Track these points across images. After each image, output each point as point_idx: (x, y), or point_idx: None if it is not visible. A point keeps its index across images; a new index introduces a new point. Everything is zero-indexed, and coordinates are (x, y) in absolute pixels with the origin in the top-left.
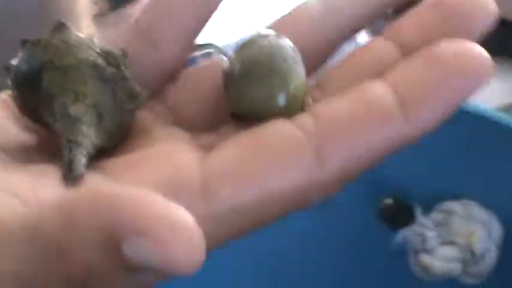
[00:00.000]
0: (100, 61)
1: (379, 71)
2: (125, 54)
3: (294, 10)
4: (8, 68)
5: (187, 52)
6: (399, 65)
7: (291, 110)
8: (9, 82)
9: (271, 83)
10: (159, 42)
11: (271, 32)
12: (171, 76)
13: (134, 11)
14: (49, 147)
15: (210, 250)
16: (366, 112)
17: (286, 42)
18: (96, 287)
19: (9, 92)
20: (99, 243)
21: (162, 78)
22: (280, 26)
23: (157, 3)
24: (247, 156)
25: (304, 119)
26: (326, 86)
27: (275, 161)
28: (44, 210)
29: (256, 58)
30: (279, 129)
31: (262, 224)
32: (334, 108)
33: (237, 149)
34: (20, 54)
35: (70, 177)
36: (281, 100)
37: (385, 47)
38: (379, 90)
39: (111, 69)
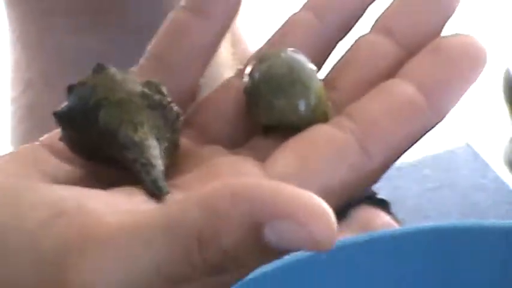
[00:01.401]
0: (146, 91)
1: (386, 68)
2: (158, 82)
3: (287, 23)
4: (56, 114)
5: (202, 73)
6: (412, 62)
7: (317, 112)
8: (59, 126)
9: (296, 91)
10: (173, 67)
11: (281, 47)
12: (190, 98)
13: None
14: (101, 179)
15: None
16: (399, 109)
17: (298, 54)
18: (231, 273)
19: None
20: (240, 229)
21: (184, 104)
22: (278, 40)
23: (169, 29)
24: (304, 159)
25: (341, 120)
26: (338, 85)
27: (329, 159)
28: (182, 205)
29: (278, 71)
30: (323, 132)
31: None
32: (368, 109)
33: (292, 154)
34: (68, 98)
35: (160, 194)
36: (307, 105)
37: (383, 42)
38: (405, 89)
39: (158, 96)
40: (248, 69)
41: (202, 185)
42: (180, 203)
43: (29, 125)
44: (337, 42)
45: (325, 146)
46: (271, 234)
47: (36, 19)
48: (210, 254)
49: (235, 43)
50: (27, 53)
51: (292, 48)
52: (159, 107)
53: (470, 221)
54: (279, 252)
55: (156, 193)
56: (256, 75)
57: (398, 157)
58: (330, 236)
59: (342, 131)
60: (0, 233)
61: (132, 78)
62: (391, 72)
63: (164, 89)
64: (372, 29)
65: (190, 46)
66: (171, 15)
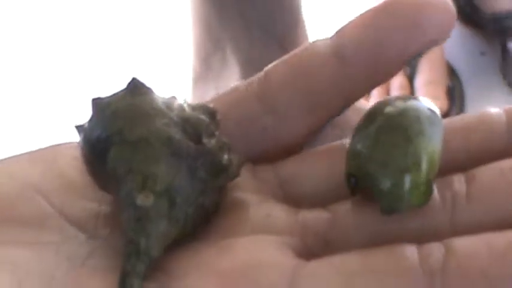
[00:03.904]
0: (176, 133)
1: None
2: (212, 116)
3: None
4: (78, 128)
5: (315, 128)
6: None
7: (414, 194)
8: (80, 143)
9: (395, 143)
10: (286, 113)
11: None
12: (290, 150)
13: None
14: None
15: None
16: (501, 276)
17: (425, 108)
18: None
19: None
20: None
21: (279, 150)
22: None
23: (294, 72)
24: (350, 280)
25: (435, 253)
26: (476, 174)
27: None
28: None
29: (389, 135)
30: (400, 259)
31: None
32: (469, 255)
33: (341, 273)
34: (91, 116)
35: None
36: (409, 190)
37: None
38: None
39: (189, 143)
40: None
41: (195, 282)
42: None
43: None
44: None
45: (390, 277)
46: None
47: None
48: None
49: None
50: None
51: (418, 99)
52: (187, 158)
53: None
54: None
55: None
56: (366, 128)
57: None
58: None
59: (423, 268)
60: None
61: (166, 111)
62: None
63: (209, 130)
64: None
65: (315, 91)
66: (310, 44)
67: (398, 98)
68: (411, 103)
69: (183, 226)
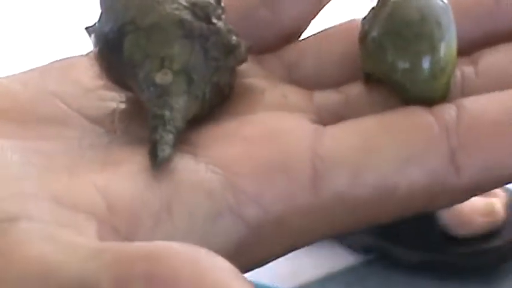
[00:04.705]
0: (186, 15)
1: None
2: (218, 1)
3: None
4: (87, 29)
5: (310, 15)
6: None
7: (436, 84)
8: (92, 44)
9: (420, 50)
10: (283, 3)
11: None
12: (290, 38)
13: None
14: (137, 112)
15: (308, 244)
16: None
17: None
18: None
19: (93, 50)
20: None
21: (279, 39)
22: None
23: None
24: (371, 145)
25: (447, 111)
26: (478, 61)
27: (402, 153)
28: (97, 262)
29: (404, 16)
30: (415, 117)
31: (374, 221)
32: (481, 110)
33: (359, 133)
34: (101, 12)
35: (155, 161)
36: (427, 72)
37: None
38: None
39: (200, 23)
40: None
41: (222, 149)
42: (96, 258)
43: None
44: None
45: (407, 136)
46: None
47: None
48: None
49: None
50: None
51: None
52: (200, 38)
53: None
54: None
55: (151, 160)
56: (380, 11)
57: (495, 184)
58: None
59: (439, 125)
60: None
61: None
62: None
63: (217, 12)
64: None
65: None
66: None
67: None
68: None
69: (202, 103)
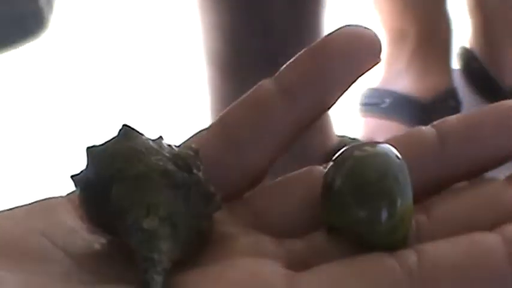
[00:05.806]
0: (170, 167)
1: (494, 213)
2: (196, 153)
3: (409, 133)
4: (73, 178)
5: (276, 159)
6: None
7: (397, 233)
8: (78, 192)
9: (381, 205)
10: (246, 150)
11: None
12: (254, 181)
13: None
14: (119, 255)
15: None
16: (472, 266)
17: (394, 154)
18: None
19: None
20: None
21: (245, 183)
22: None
23: (251, 100)
24: (340, 284)
25: (408, 256)
26: (432, 211)
27: None
28: None
29: (365, 174)
30: (381, 263)
31: None
32: (440, 254)
33: (331, 279)
34: (87, 163)
35: None
36: (389, 224)
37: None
38: (490, 242)
39: (182, 173)
40: (335, 157)
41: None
42: None
43: None
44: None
45: (374, 280)
46: None
47: None
48: None
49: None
50: None
51: (387, 145)
52: (182, 187)
53: None
54: None
55: None
56: (338, 171)
57: None
58: None
59: (402, 270)
60: None
61: (158, 149)
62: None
63: (197, 164)
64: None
65: (269, 126)
66: (258, 86)
67: (366, 145)
68: (380, 150)
69: (185, 247)
